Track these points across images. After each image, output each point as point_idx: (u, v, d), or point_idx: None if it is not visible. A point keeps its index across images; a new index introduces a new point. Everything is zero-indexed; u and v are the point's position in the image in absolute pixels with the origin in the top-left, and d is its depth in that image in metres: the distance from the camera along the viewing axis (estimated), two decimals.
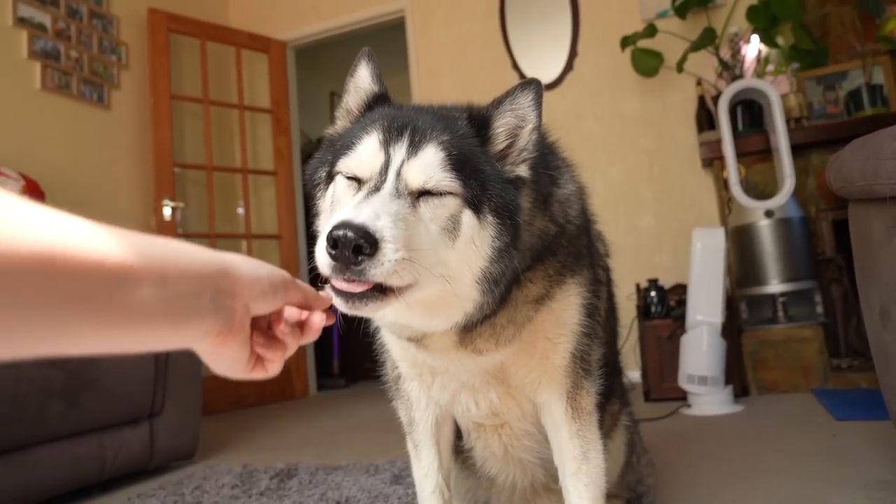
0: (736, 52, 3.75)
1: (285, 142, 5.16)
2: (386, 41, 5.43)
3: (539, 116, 1.02)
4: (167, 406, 2.68)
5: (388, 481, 2.15)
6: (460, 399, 1.27)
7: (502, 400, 1.25)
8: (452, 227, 0.94)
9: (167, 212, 4.38)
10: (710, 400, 3.05)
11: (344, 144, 1.01)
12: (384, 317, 1.00)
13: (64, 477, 2.25)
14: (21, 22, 3.72)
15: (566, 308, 1.17)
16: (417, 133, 0.97)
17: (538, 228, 1.10)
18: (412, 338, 1.13)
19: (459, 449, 1.45)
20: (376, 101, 1.10)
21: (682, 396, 3.25)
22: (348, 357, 6.06)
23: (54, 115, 3.88)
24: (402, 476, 2.19)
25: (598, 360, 1.29)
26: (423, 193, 0.93)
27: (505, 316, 1.09)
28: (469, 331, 1.08)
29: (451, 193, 0.94)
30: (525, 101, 1.02)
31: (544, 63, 4.58)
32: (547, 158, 1.15)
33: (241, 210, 5.11)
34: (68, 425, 2.26)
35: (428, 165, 0.94)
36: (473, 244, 0.96)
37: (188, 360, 2.79)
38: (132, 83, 4.45)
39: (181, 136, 4.77)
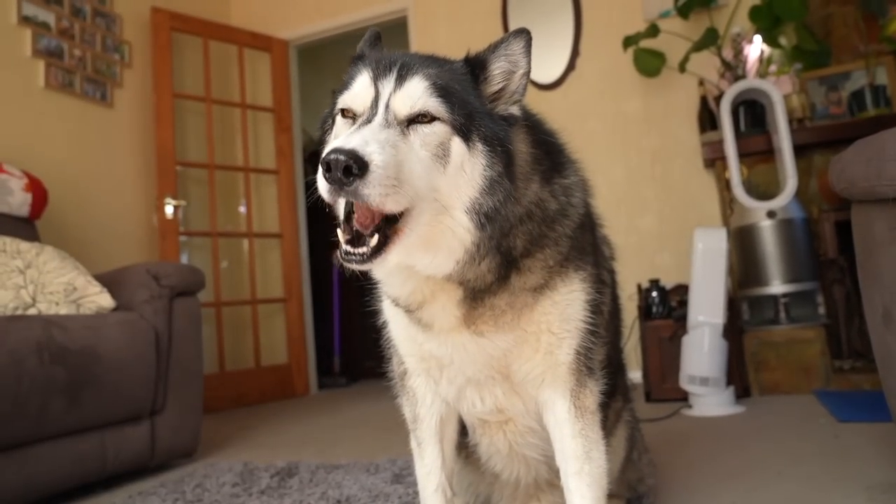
0: (738, 53, 3.74)
1: (287, 140, 5.16)
2: (388, 40, 5.38)
3: (529, 63, 1.10)
4: (168, 404, 2.68)
5: (389, 480, 2.14)
6: (466, 395, 1.29)
7: (507, 396, 1.26)
8: (442, 154, 1.01)
9: (169, 210, 4.38)
10: (711, 401, 3.04)
11: (342, 86, 1.11)
12: (389, 262, 1.02)
13: (66, 474, 2.26)
14: (25, 20, 3.72)
15: (571, 302, 1.18)
16: (405, 67, 1.04)
17: (535, 195, 1.14)
18: (417, 308, 1.17)
19: (463, 444, 1.46)
20: (370, 47, 1.23)
21: (684, 397, 3.24)
22: (349, 356, 6.06)
23: (57, 113, 3.87)
24: (403, 475, 2.19)
25: (601, 360, 1.30)
26: (413, 122, 1.01)
27: (503, 299, 1.13)
28: (473, 305, 1.13)
29: (438, 119, 1.01)
30: (517, 47, 1.09)
31: (546, 62, 4.58)
32: (544, 129, 1.23)
33: (242, 209, 5.11)
34: (70, 423, 2.26)
35: (413, 93, 1.01)
36: (464, 171, 1.02)
37: (190, 358, 2.80)
38: (135, 82, 4.45)
39: (183, 134, 4.77)
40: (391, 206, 0.94)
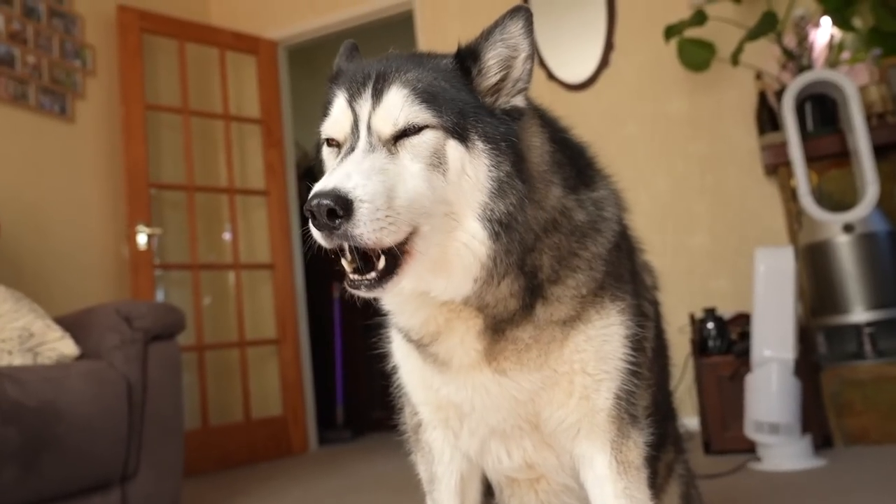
0: (803, 39, 3.73)
1: (278, 156, 5.20)
2: (392, 38, 5.46)
3: (531, 45, 1.11)
4: (143, 467, 2.67)
5: None
6: (490, 448, 1.29)
7: (537, 449, 1.27)
8: (439, 162, 1.04)
9: (142, 239, 4.41)
10: (784, 452, 3.00)
11: (323, 110, 1.15)
12: (402, 290, 1.08)
13: None
14: None
15: (608, 338, 1.18)
16: (381, 79, 1.08)
17: (557, 201, 1.15)
18: (431, 342, 1.18)
19: None
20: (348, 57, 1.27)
21: (751, 448, 3.20)
22: (354, 405, 6.04)
23: (9, 129, 3.92)
24: None
25: (646, 405, 1.30)
26: (400, 137, 1.04)
27: (527, 332, 1.15)
28: (494, 338, 1.15)
29: (426, 126, 1.04)
30: (515, 29, 1.11)
31: (575, 58, 4.59)
32: (559, 127, 1.25)
33: (227, 236, 5.14)
34: (25, 494, 2.25)
35: (392, 107, 1.05)
36: (466, 174, 1.05)
37: (168, 413, 2.79)
38: (100, 92, 4.51)
39: (157, 151, 4.82)
40: (390, 240, 0.98)
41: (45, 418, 2.31)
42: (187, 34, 4.93)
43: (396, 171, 1.01)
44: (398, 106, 1.05)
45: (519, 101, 1.12)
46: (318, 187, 0.96)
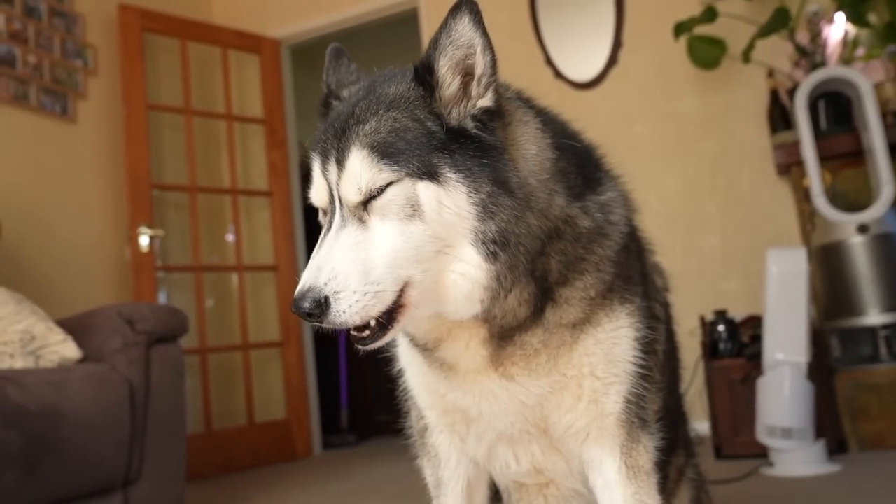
0: (816, 36, 3.72)
1: (281, 156, 5.21)
2: (396, 37, 5.49)
3: (484, 35, 1.06)
4: (145, 471, 2.68)
5: None
6: (498, 453, 1.29)
7: (546, 454, 1.27)
8: (413, 210, 1.03)
9: (144, 241, 4.42)
10: (797, 457, 2.99)
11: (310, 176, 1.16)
12: (397, 333, 1.11)
13: None
14: None
15: (618, 341, 1.18)
16: (342, 141, 1.07)
17: (561, 210, 1.13)
18: (435, 347, 1.19)
19: None
20: (330, 94, 1.26)
21: (763, 453, 3.19)
22: (359, 409, 6.04)
23: (10, 130, 3.94)
24: None
25: (656, 409, 1.29)
26: (369, 200, 1.04)
27: (536, 336, 1.14)
28: (501, 344, 1.14)
29: (390, 183, 1.03)
30: (462, 26, 1.07)
31: (583, 57, 4.59)
32: (568, 133, 1.23)
33: (230, 237, 5.15)
34: (26, 498, 2.26)
35: (354, 174, 1.04)
36: (447, 207, 1.03)
37: (170, 416, 2.80)
38: (101, 92, 4.53)
39: (159, 152, 4.83)
40: (377, 311, 1.02)
41: (48, 422, 2.32)
42: (189, 33, 4.94)
43: (369, 240, 1.03)
44: (358, 172, 1.04)
45: (487, 101, 1.08)
46: (297, 288, 1.01)
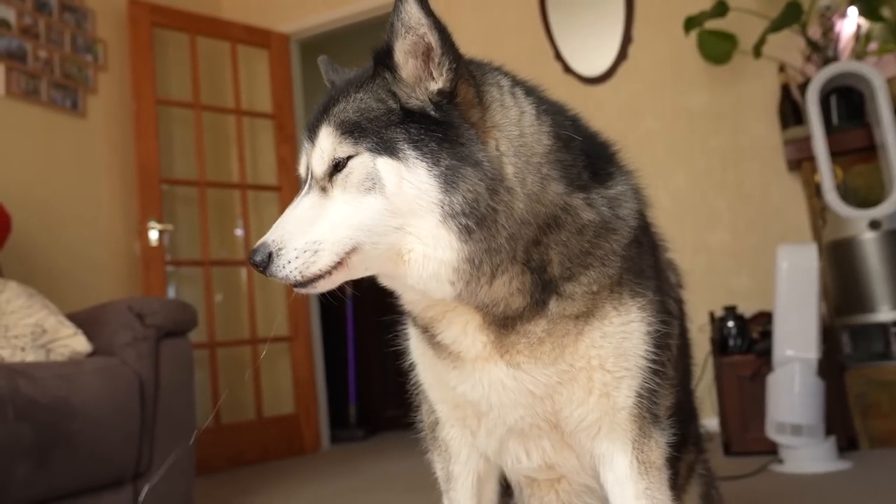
0: (828, 30, 3.70)
1: (290, 151, 5.22)
2: None
3: (430, 15, 1.09)
4: (155, 465, 2.69)
5: None
6: (509, 448, 1.30)
7: (557, 449, 1.27)
8: (373, 184, 1.09)
9: (153, 236, 4.44)
10: (807, 454, 2.98)
11: None
12: (322, 287, 1.15)
13: None
14: None
15: (628, 335, 1.18)
16: (318, 121, 1.16)
17: (558, 197, 1.14)
18: (433, 325, 1.21)
19: None
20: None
21: (772, 450, 3.18)
22: (367, 404, 6.05)
23: (21, 124, 3.96)
24: None
25: (669, 405, 1.30)
26: (334, 173, 1.12)
27: (540, 326, 1.15)
28: (502, 332, 1.16)
29: (352, 156, 1.11)
30: (410, 9, 1.09)
31: (593, 52, 4.58)
32: (566, 123, 1.23)
33: (239, 232, 5.16)
34: (38, 490, 2.27)
35: (322, 148, 1.13)
36: (408, 182, 1.08)
37: (180, 410, 2.81)
38: (111, 87, 4.54)
39: (169, 147, 4.84)
40: (317, 268, 1.10)
41: (58, 415, 2.33)
42: (198, 28, 4.94)
43: (323, 206, 1.12)
44: (325, 144, 1.13)
45: (441, 83, 1.11)
46: (257, 242, 1.13)
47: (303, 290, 1.14)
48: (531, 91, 1.23)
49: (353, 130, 1.11)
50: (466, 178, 1.07)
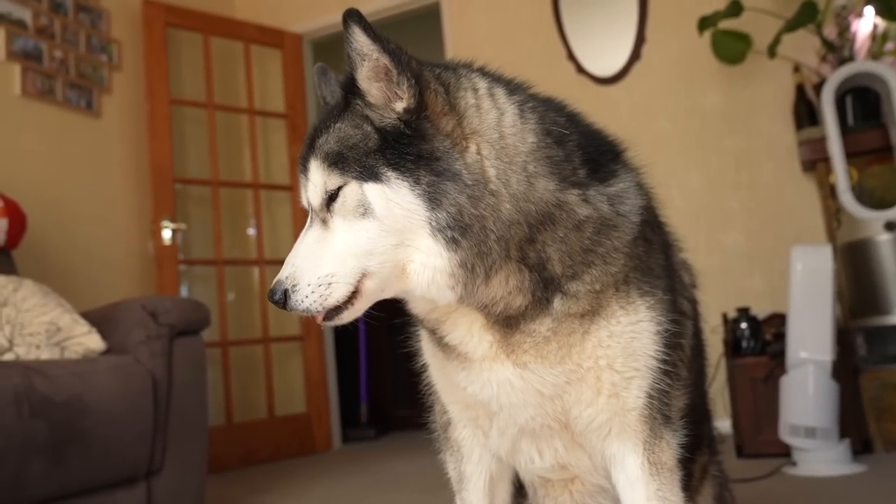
0: (844, 30, 3.68)
1: None
2: (418, 31, 5.47)
3: (376, 40, 1.11)
4: (168, 463, 2.70)
5: None
6: (521, 448, 1.30)
7: (569, 450, 1.28)
8: (364, 210, 1.11)
9: (167, 235, 4.46)
10: (820, 457, 2.97)
11: None
12: (348, 318, 1.19)
13: None
14: None
15: (637, 335, 1.18)
16: (306, 155, 1.19)
17: (550, 194, 1.14)
18: (439, 327, 1.23)
19: None
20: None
21: (785, 452, 3.17)
22: (378, 403, 6.06)
23: (36, 124, 3.99)
24: None
25: (681, 406, 1.30)
26: (330, 203, 1.14)
27: (545, 324, 1.15)
28: (507, 332, 1.17)
29: (342, 186, 1.13)
30: (357, 37, 1.12)
31: (606, 52, 4.57)
32: (556, 118, 1.22)
33: (252, 231, 5.18)
34: (52, 487, 2.28)
35: (314, 183, 1.16)
36: (394, 203, 1.10)
37: (193, 409, 2.82)
38: (125, 86, 4.57)
39: (182, 146, 4.87)
40: (335, 299, 1.14)
41: (73, 412, 2.34)
42: (212, 28, 4.97)
43: (327, 238, 1.15)
44: (314, 180, 1.16)
45: (404, 102, 1.12)
46: (273, 282, 1.17)
47: (329, 323, 1.18)
48: (516, 89, 1.23)
49: (337, 161, 1.13)
50: (447, 193, 1.09)
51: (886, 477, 2.78)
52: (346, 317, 1.17)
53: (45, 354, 2.60)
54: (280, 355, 5.10)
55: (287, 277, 1.15)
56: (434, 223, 1.08)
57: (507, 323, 1.16)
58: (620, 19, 4.56)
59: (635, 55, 4.50)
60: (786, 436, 3.05)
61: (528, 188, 1.12)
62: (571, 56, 4.62)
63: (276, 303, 1.14)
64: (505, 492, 1.40)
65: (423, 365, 1.39)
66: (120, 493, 2.54)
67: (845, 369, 3.22)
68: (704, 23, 3.96)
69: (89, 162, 4.27)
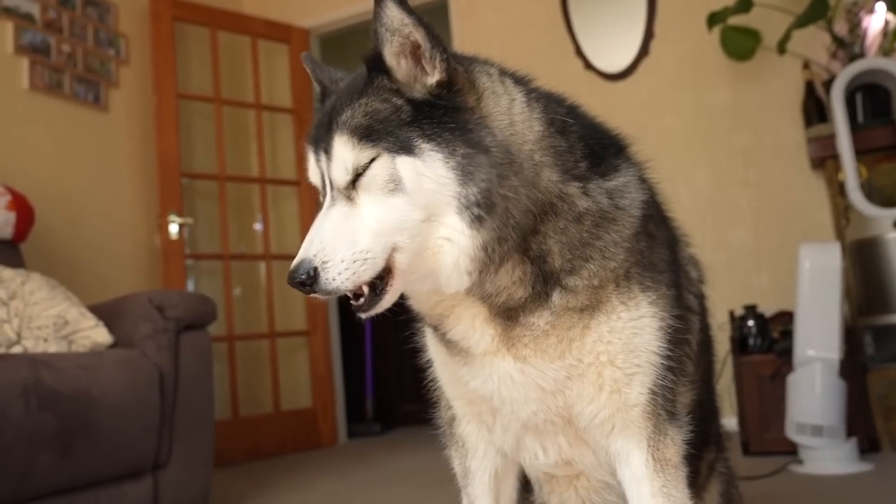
0: (855, 26, 3.67)
1: None
2: None
3: (411, 13, 1.10)
4: (174, 456, 2.72)
5: None
6: (525, 444, 1.31)
7: (573, 445, 1.28)
8: (395, 185, 1.08)
9: (174, 229, 4.47)
10: (827, 455, 2.97)
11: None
12: (388, 302, 1.14)
13: None
14: (6, 12, 3.86)
15: (638, 330, 1.17)
16: (328, 131, 1.14)
17: (553, 184, 1.14)
18: (441, 323, 1.22)
19: (528, 502, 1.47)
20: (323, 95, 1.31)
21: (792, 450, 3.17)
22: (384, 398, 6.07)
23: (44, 118, 4.00)
24: None
25: (687, 402, 1.29)
26: (356, 180, 1.10)
27: (543, 318, 1.15)
28: (508, 324, 1.16)
29: (372, 160, 1.09)
30: (391, 12, 1.10)
31: (614, 48, 4.55)
32: (561, 111, 1.23)
33: (258, 226, 5.19)
34: (60, 479, 2.30)
35: (340, 159, 1.11)
36: (426, 177, 1.08)
37: (199, 402, 2.83)
38: (133, 81, 4.58)
39: (189, 141, 4.88)
40: (368, 276, 1.08)
41: (80, 405, 2.36)
42: (219, 22, 4.97)
43: (356, 214, 1.10)
44: (342, 155, 1.11)
45: (437, 75, 1.12)
46: (294, 261, 1.09)
47: (370, 312, 1.13)
48: (520, 80, 1.24)
49: (368, 135, 1.10)
50: (480, 166, 1.08)
51: (893, 476, 2.78)
52: (386, 301, 1.12)
53: (52, 348, 2.62)
54: (286, 350, 5.11)
55: (315, 255, 1.08)
56: (463, 199, 1.07)
57: (507, 315, 1.16)
58: (629, 15, 4.55)
59: (643, 51, 4.49)
60: (792, 434, 3.05)
61: (536, 177, 1.13)
62: (579, 52, 4.61)
63: (300, 284, 1.08)
64: (511, 487, 1.40)
65: (428, 360, 1.39)
66: (127, 486, 2.55)
67: (852, 367, 3.22)
68: (713, 19, 3.94)
69: (96, 156, 4.28)
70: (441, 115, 1.10)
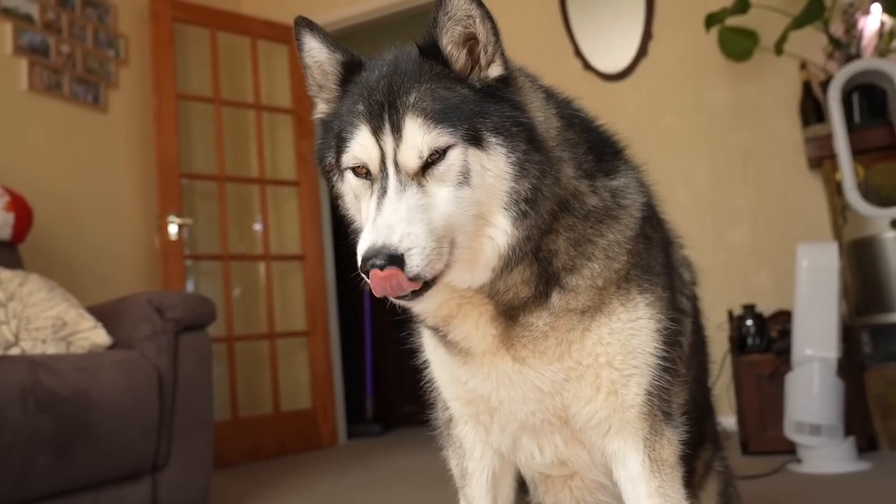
0: (851, 27, 3.67)
1: (309, 147, 5.22)
2: (425, 27, 5.48)
3: (480, 5, 1.09)
4: (173, 458, 2.71)
5: None
6: (522, 444, 1.31)
7: (569, 446, 1.28)
8: (464, 178, 1.06)
9: (173, 229, 4.46)
10: (825, 454, 2.97)
11: (340, 136, 1.16)
12: (438, 294, 1.12)
13: None
14: (5, 13, 3.86)
15: (636, 332, 1.18)
16: (395, 110, 1.08)
17: (569, 180, 1.15)
18: (445, 326, 1.21)
19: (524, 502, 1.47)
20: (348, 70, 1.24)
21: (790, 449, 3.17)
22: (383, 399, 6.06)
23: (43, 119, 4.00)
24: None
25: (682, 403, 1.30)
26: (427, 167, 1.06)
27: (542, 318, 1.16)
28: (509, 324, 1.16)
29: (448, 147, 1.06)
30: (457, 2, 1.10)
31: (613, 48, 4.56)
32: (571, 107, 1.25)
33: (258, 227, 5.19)
34: (58, 481, 2.30)
35: (415, 143, 1.06)
36: (489, 171, 1.07)
37: (198, 404, 2.83)
38: (132, 81, 4.57)
39: (189, 141, 4.88)
40: (440, 265, 1.04)
41: (78, 407, 2.36)
42: (219, 23, 4.97)
43: (431, 204, 1.06)
44: (419, 139, 1.06)
45: (497, 69, 1.12)
46: (365, 246, 1.01)
47: (416, 301, 1.08)
48: (533, 77, 1.25)
49: (443, 119, 1.07)
50: (534, 164, 1.08)
51: (891, 474, 2.78)
52: (433, 293, 1.08)
53: (51, 349, 2.61)
54: (286, 351, 5.11)
55: (401, 240, 1.01)
56: (514, 195, 1.08)
57: (509, 314, 1.16)
58: (627, 15, 4.55)
59: (642, 52, 4.49)
60: (791, 433, 3.05)
61: (559, 173, 1.14)
62: (578, 52, 4.61)
63: (377, 267, 1.00)
64: (508, 487, 1.40)
65: (425, 361, 1.40)
66: (126, 487, 2.55)
67: (850, 367, 3.22)
68: (711, 19, 3.95)
69: (96, 156, 4.28)
70: (502, 108, 1.09)
